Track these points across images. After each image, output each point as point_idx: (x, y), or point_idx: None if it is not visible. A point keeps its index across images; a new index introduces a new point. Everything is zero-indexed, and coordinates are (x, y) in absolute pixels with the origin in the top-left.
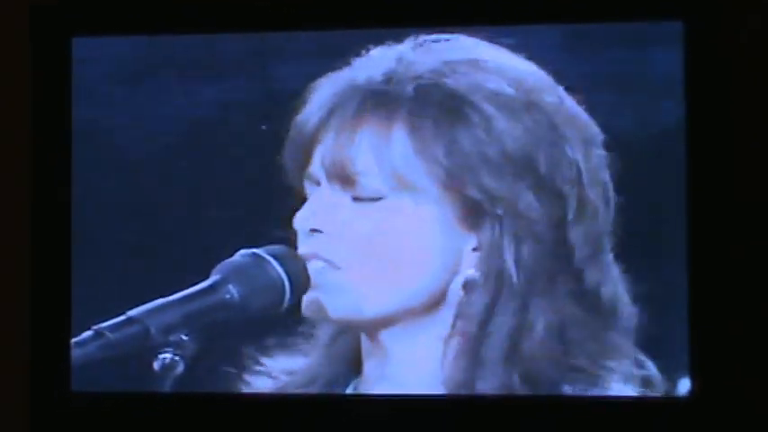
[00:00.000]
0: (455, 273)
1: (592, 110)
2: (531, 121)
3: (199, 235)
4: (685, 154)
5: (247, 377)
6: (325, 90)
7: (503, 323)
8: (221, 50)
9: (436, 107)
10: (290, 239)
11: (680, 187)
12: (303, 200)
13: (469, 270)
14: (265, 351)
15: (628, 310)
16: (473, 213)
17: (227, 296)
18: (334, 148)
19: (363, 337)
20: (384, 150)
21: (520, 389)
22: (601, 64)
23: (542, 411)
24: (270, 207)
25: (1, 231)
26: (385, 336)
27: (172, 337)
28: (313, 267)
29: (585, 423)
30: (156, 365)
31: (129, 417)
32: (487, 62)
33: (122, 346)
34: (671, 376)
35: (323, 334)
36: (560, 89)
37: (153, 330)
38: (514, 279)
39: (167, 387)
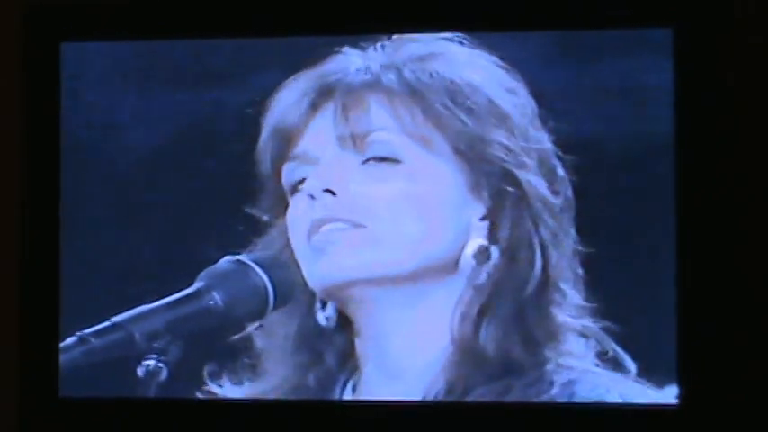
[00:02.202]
0: (465, 241)
1: (582, 117)
2: (516, 104)
3: (185, 241)
4: (675, 161)
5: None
6: (302, 84)
7: (509, 290)
8: (211, 57)
9: (427, 86)
10: (274, 245)
11: (669, 194)
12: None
13: (479, 239)
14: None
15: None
16: (481, 180)
17: (211, 303)
18: (344, 112)
19: (358, 324)
20: (395, 112)
21: (520, 356)
22: (591, 72)
23: (528, 418)
24: (257, 214)
25: None
26: (389, 305)
27: (156, 344)
28: (333, 229)
29: (573, 430)
30: (140, 371)
31: (114, 422)
32: (456, 54)
33: (106, 352)
34: (659, 383)
35: (285, 343)
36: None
37: (137, 336)
38: (521, 248)
39: (151, 393)
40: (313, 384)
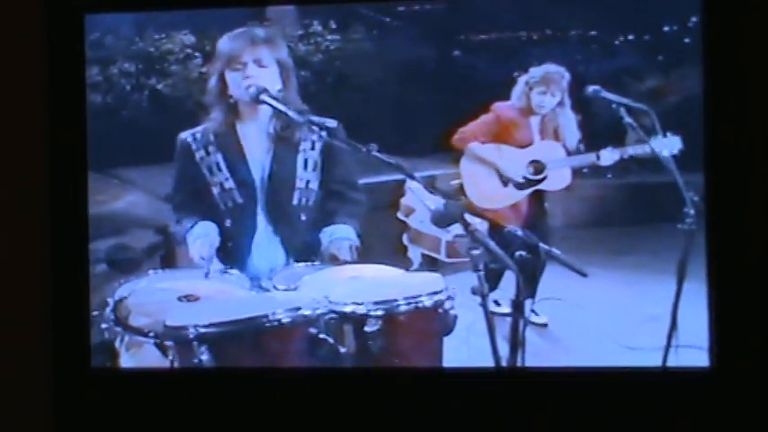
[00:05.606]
0: None
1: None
2: None
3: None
4: (704, 123)
5: None
6: None
7: None
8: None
9: None
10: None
11: (699, 150)
12: None
13: None
14: None
15: None
16: None
17: None
18: None
19: None
20: None
21: None
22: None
23: (569, 381)
24: None
25: (19, 211)
26: None
27: None
28: None
29: (608, 393)
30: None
31: (147, 393)
32: None
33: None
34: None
35: None
36: None
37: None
38: None
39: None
40: None
